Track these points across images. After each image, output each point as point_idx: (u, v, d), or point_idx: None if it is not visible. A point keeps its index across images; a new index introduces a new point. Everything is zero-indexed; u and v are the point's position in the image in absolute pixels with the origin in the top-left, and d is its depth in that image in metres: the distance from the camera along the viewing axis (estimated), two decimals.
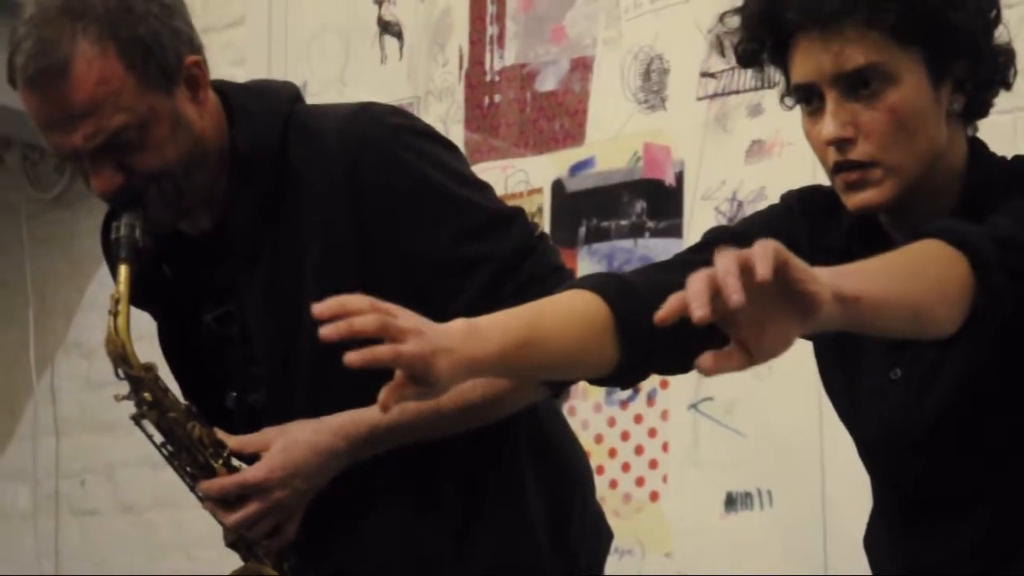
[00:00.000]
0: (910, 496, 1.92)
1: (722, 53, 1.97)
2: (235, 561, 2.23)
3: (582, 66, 3.88)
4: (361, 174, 2.08)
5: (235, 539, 2.14)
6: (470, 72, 4.03)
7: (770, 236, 1.88)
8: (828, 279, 1.48)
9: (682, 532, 3.68)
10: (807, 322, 1.47)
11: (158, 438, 2.14)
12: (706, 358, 1.44)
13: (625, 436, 3.79)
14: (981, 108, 1.88)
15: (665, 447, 3.73)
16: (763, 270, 1.40)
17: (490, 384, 2.10)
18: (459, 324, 1.55)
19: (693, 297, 1.39)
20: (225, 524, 2.12)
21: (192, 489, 2.15)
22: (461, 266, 2.09)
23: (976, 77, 1.84)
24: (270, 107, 2.14)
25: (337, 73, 4.14)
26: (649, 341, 1.68)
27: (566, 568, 2.20)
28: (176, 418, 2.11)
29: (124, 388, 2.17)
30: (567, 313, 1.67)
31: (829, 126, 1.79)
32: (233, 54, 4.30)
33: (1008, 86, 1.89)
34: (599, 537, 2.29)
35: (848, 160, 1.80)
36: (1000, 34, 1.86)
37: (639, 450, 3.78)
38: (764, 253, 1.42)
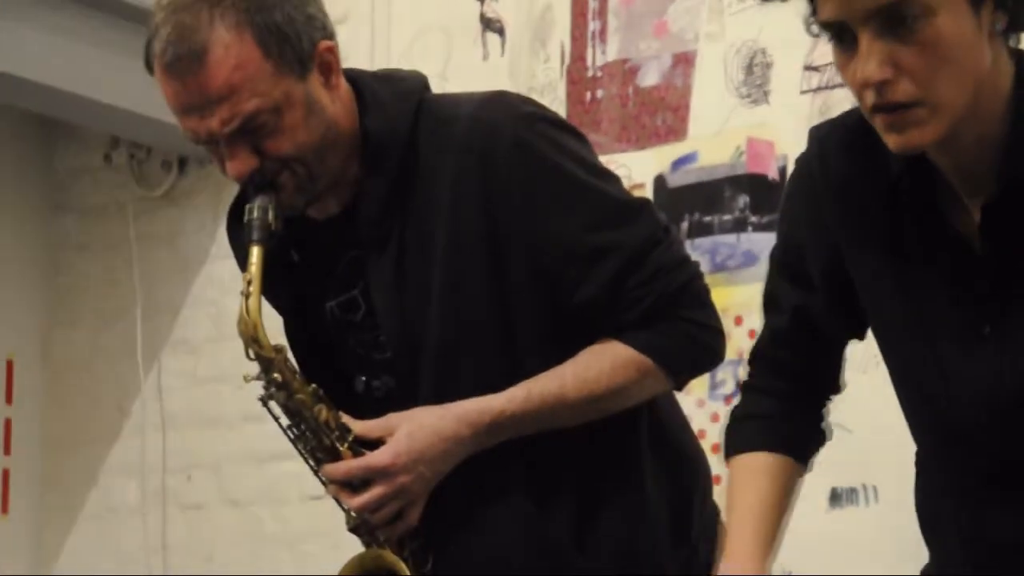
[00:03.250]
0: (987, 465, 1.83)
1: None
2: (340, 556, 2.24)
3: (684, 61, 3.88)
4: (493, 161, 2.09)
5: (358, 524, 2.14)
6: (572, 68, 4.05)
7: (794, 237, 1.94)
8: None
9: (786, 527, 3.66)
10: None
11: (284, 421, 2.14)
12: None
13: None
14: None
15: None
16: None
17: (613, 375, 2.10)
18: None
19: None
20: (349, 507, 2.12)
21: (316, 472, 2.16)
22: (589, 255, 2.10)
23: None
24: (401, 95, 2.15)
25: (439, 70, 4.16)
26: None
27: (687, 560, 2.19)
28: (303, 400, 2.11)
29: (232, 383, 2.19)
30: (782, 496, 1.96)
31: (865, 68, 1.65)
32: None
33: None
34: (717, 531, 2.26)
35: (889, 102, 1.67)
36: None
37: None
38: None
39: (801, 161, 1.93)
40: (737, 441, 2.00)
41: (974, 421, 1.82)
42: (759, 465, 1.96)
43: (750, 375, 2.05)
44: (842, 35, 1.67)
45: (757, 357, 2.04)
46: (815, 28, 1.72)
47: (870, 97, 1.67)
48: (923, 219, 1.80)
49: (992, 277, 1.77)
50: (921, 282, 1.82)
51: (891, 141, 1.70)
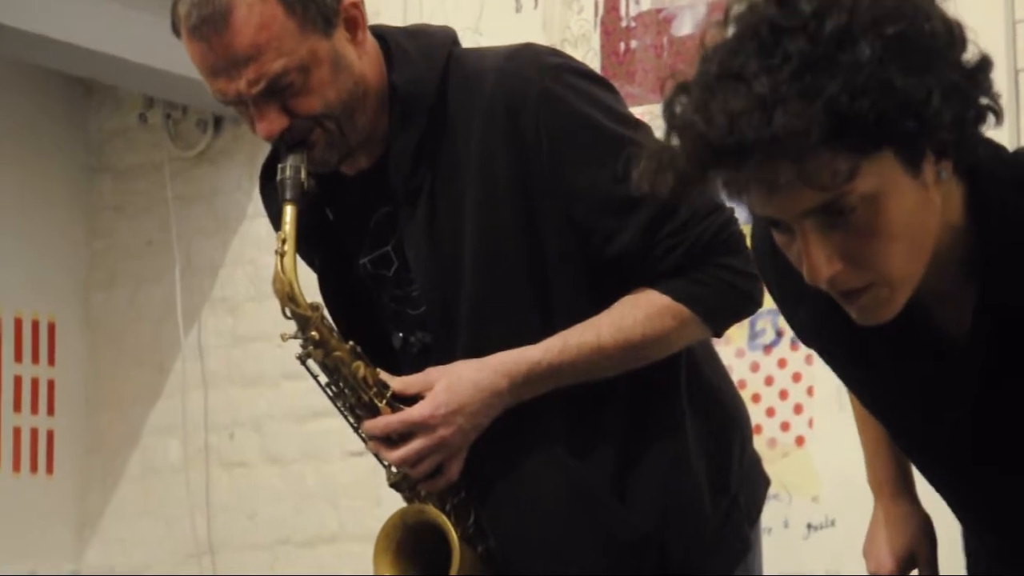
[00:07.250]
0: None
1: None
2: (383, 511, 2.24)
3: (720, 9, 3.85)
4: (520, 113, 2.08)
5: (399, 479, 2.15)
6: (606, 19, 4.02)
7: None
8: None
9: (829, 476, 3.66)
10: None
11: (322, 378, 2.14)
12: None
13: (769, 381, 3.77)
14: (971, 150, 1.56)
15: (810, 391, 3.72)
16: None
17: (649, 323, 2.09)
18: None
19: None
20: (390, 462, 2.12)
21: (356, 429, 2.16)
22: (620, 205, 2.08)
23: (960, 136, 1.52)
24: (429, 49, 2.15)
25: (472, 23, 4.15)
26: None
27: (727, 510, 2.19)
28: (341, 357, 2.11)
29: (271, 341, 2.18)
30: None
31: (811, 266, 1.52)
32: (368, 6, 4.30)
33: (999, 114, 1.54)
34: (758, 481, 2.28)
35: (843, 291, 1.55)
36: (969, 56, 1.52)
37: (783, 395, 3.76)
38: None
39: (754, 251, 1.85)
40: None
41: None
42: None
43: None
44: (777, 224, 1.54)
45: None
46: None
47: (822, 286, 1.55)
48: (888, 327, 1.66)
49: (981, 382, 1.67)
50: (892, 384, 1.75)
51: (854, 315, 1.59)
